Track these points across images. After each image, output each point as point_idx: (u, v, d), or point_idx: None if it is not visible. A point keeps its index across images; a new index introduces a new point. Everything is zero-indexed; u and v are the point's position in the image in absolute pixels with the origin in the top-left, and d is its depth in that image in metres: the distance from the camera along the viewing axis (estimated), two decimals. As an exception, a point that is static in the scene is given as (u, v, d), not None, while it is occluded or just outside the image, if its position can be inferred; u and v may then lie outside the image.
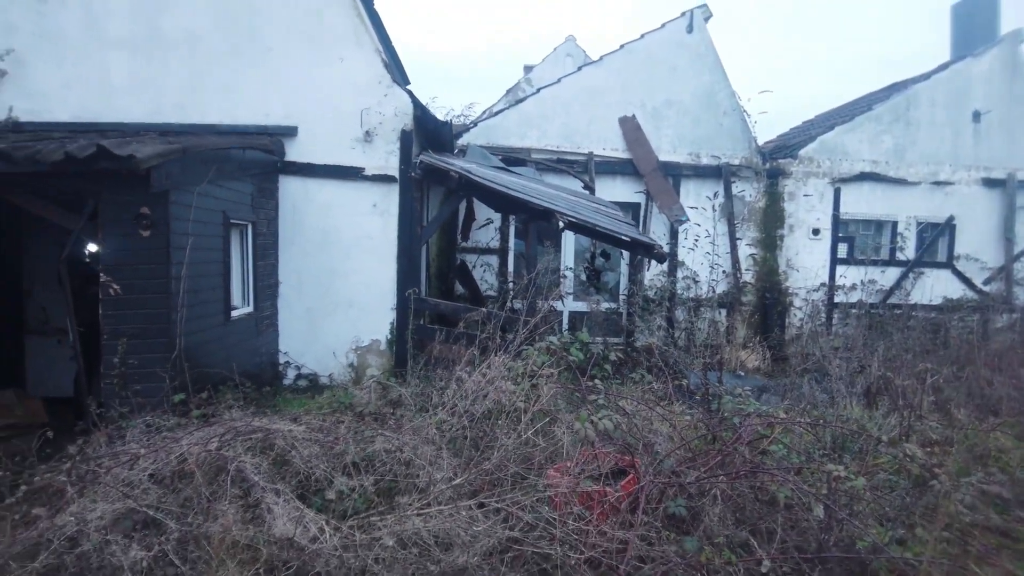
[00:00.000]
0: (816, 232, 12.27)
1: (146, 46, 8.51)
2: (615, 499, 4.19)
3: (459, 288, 11.54)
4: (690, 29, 11.94)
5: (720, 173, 12.03)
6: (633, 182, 12.02)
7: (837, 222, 12.32)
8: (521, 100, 12.79)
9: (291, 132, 8.70)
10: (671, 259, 11.67)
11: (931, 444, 6.07)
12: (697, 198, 12.02)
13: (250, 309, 8.01)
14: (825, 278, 12.29)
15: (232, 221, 7.42)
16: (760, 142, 12.83)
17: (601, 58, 12.16)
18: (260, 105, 8.66)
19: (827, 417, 6.24)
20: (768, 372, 10.67)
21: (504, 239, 11.77)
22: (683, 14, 11.96)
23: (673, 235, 11.91)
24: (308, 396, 8.13)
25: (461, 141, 11.71)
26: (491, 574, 3.76)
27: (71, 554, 3.81)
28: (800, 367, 9.15)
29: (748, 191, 12.16)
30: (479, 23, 61.13)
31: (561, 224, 8.12)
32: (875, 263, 12.42)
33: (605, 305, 11.61)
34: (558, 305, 10.35)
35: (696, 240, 11.79)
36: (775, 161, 12.38)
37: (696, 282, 11.84)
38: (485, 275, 11.66)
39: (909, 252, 12.54)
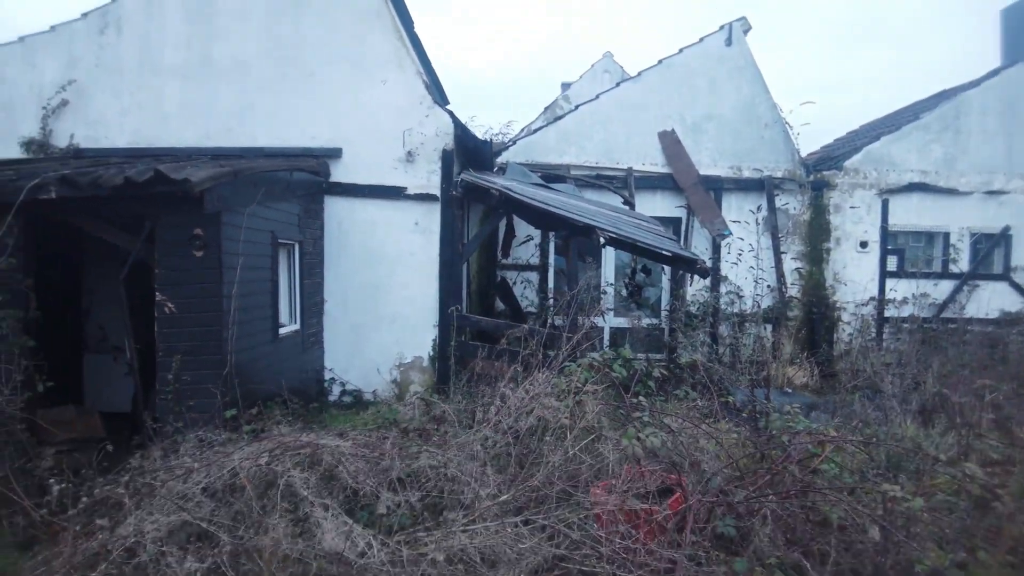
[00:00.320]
0: (864, 245, 11.98)
1: (198, 74, 8.86)
2: (662, 518, 4.14)
3: (499, 305, 11.58)
4: (729, 42, 11.87)
5: (763, 186, 11.87)
6: (673, 197, 11.94)
7: (886, 234, 12.01)
8: (559, 117, 12.86)
9: (336, 154, 8.92)
10: (714, 274, 11.52)
11: (991, 464, 5.82)
12: (739, 212, 11.87)
13: (297, 326, 8.18)
14: (874, 292, 11.97)
15: (280, 241, 7.62)
16: (803, 154, 12.62)
17: (639, 73, 12.16)
18: (306, 128, 8.91)
19: (880, 435, 6.05)
20: (816, 389, 10.41)
21: (544, 255, 11.79)
22: (722, 27, 11.90)
23: (715, 249, 11.77)
24: (353, 412, 8.25)
25: (500, 159, 11.82)
26: (538, 592, 3.75)
27: (129, 564, 3.93)
28: (850, 384, 8.89)
29: (792, 204, 11.97)
30: (516, 43, 61.88)
31: (602, 240, 8.10)
32: (927, 276, 12.04)
33: (646, 321, 11.50)
34: (599, 321, 10.30)
35: (739, 254, 11.63)
36: (819, 173, 12.16)
37: (740, 297, 11.66)
38: (525, 291, 11.69)
39: (963, 264, 12.13)
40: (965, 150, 12.10)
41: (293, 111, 8.90)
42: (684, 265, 8.93)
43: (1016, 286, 12.16)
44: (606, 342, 11.00)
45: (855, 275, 11.95)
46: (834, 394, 8.91)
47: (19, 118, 8.89)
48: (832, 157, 13.14)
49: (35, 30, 9.00)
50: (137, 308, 6.36)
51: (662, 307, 11.74)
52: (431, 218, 9.03)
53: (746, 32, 11.98)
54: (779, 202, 11.88)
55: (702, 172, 11.84)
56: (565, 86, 21.30)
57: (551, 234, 11.49)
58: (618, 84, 12.73)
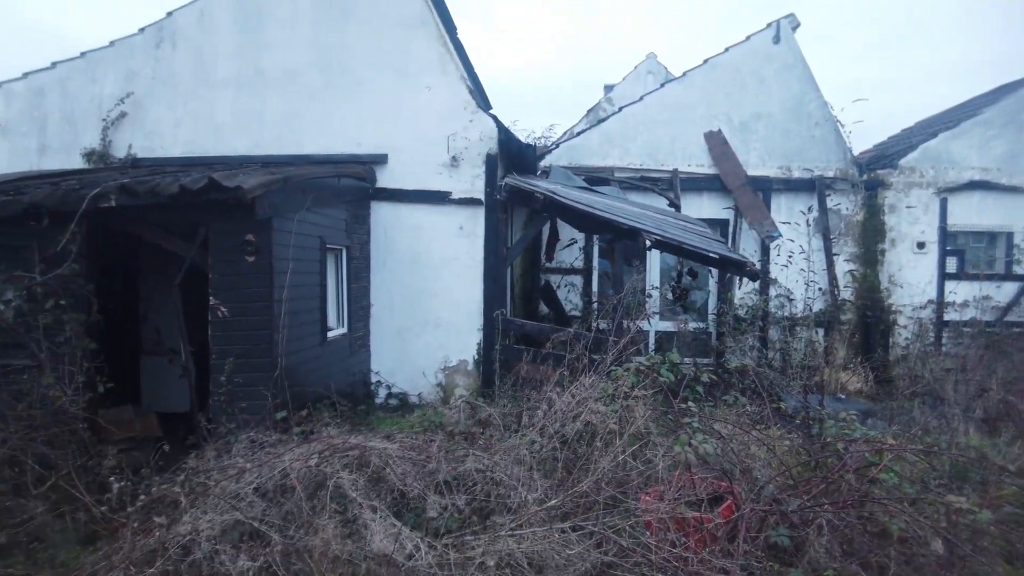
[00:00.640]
0: (921, 246, 11.55)
1: (249, 84, 9.10)
2: (713, 526, 4.05)
3: (543, 308, 11.55)
4: (777, 40, 11.61)
5: (813, 186, 11.57)
6: (720, 198, 11.73)
7: (944, 235, 11.55)
8: (603, 119, 12.78)
9: (382, 160, 9.04)
10: (763, 277, 11.27)
11: (1064, 475, 5.53)
12: (789, 213, 11.59)
13: (344, 330, 8.31)
14: (932, 295, 11.52)
15: (328, 246, 7.75)
16: (856, 152, 12.25)
17: (684, 74, 12.00)
18: (352, 135, 9.05)
19: (942, 444, 5.81)
20: (871, 395, 10.06)
21: (588, 259, 11.72)
22: (769, 25, 11.65)
23: (764, 252, 11.51)
24: (399, 415, 8.32)
25: (544, 162, 11.81)
26: (586, 599, 3.70)
27: (184, 562, 4.03)
28: (908, 390, 8.58)
29: (844, 204, 11.63)
30: (559, 46, 61.79)
31: (648, 243, 8.00)
32: (989, 278, 11.54)
33: (692, 325, 11.32)
34: (644, 325, 10.17)
35: (790, 256, 11.34)
36: (873, 172, 11.78)
37: (791, 300, 11.37)
38: (569, 295, 11.64)
39: (1028, 265, 11.59)
40: (1030, 146, 11.56)
41: (340, 118, 9.06)
42: (733, 268, 8.75)
43: (1086, 288, 11.55)
44: (651, 346, 10.87)
45: (911, 277, 11.53)
46: (891, 401, 8.60)
47: (81, 130, 9.27)
48: (886, 156, 12.71)
49: (95, 45, 9.37)
50: (192, 312, 6.54)
51: (709, 311, 11.53)
52: (475, 222, 9.07)
53: (795, 29, 11.72)
54: (831, 202, 11.55)
55: (750, 172, 11.60)
56: (608, 88, 21.15)
57: (595, 237, 11.42)
58: (662, 85, 12.58)
